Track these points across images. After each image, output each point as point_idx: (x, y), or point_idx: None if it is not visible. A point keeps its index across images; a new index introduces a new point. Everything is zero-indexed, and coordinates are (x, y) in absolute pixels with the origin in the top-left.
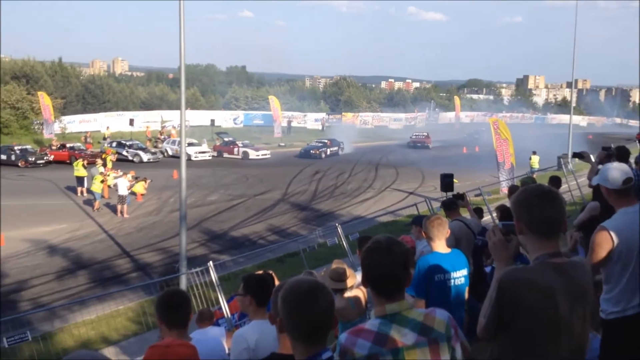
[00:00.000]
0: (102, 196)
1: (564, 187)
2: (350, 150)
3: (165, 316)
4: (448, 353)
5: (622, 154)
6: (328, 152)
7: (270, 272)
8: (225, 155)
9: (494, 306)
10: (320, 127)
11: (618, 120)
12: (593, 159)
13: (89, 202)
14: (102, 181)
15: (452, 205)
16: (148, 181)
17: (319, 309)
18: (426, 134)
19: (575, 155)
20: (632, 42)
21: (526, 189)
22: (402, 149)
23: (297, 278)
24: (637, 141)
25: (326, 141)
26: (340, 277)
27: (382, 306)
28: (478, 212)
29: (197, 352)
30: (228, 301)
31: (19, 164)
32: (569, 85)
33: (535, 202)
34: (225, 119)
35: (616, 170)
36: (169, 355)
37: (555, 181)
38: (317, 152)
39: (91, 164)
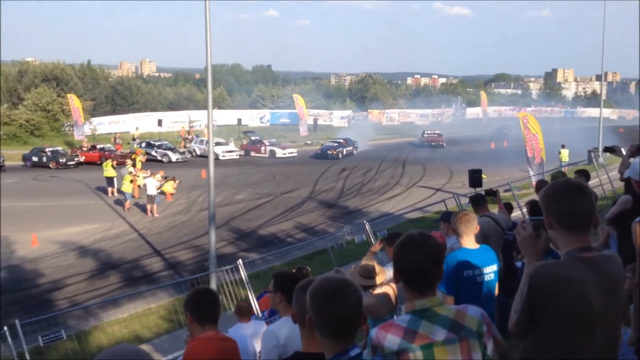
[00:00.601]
0: (133, 196)
1: (594, 181)
2: (365, 149)
3: (198, 313)
4: (479, 350)
5: None
6: (344, 152)
7: (307, 268)
8: (253, 154)
9: (524, 302)
10: (346, 125)
11: None
12: (624, 152)
13: (120, 202)
14: (132, 181)
15: (480, 201)
16: (177, 181)
17: (348, 306)
18: (438, 132)
19: (606, 149)
20: None
21: (554, 183)
22: (415, 148)
23: (325, 275)
24: None
25: (341, 141)
26: (369, 274)
27: (412, 302)
28: (508, 207)
29: (238, 347)
30: (258, 298)
31: (50, 166)
32: (599, 78)
33: (564, 195)
34: (252, 118)
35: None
36: (210, 348)
37: (583, 174)
38: (335, 152)
39: (121, 164)
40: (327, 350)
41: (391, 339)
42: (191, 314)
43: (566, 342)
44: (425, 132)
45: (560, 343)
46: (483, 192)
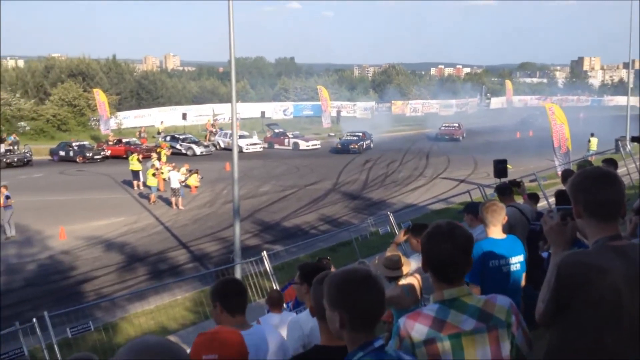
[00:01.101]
0: (158, 189)
1: (622, 170)
2: (383, 140)
3: (228, 303)
4: (508, 339)
5: None
6: (364, 146)
7: (328, 258)
8: (276, 146)
9: (552, 291)
10: (369, 116)
11: None
12: None
13: (145, 196)
14: (154, 174)
15: (506, 191)
16: (200, 176)
17: (373, 297)
18: (457, 124)
19: (634, 139)
20: None
21: (583, 172)
22: (430, 142)
23: (347, 267)
24: None
25: (360, 134)
26: (395, 265)
27: (441, 291)
28: (534, 197)
29: (244, 340)
30: (282, 290)
31: (77, 160)
32: (626, 66)
33: (593, 184)
34: (275, 110)
35: None
36: (216, 341)
37: (611, 163)
38: (356, 146)
39: (146, 158)
40: (350, 343)
41: (419, 329)
42: (221, 304)
43: (594, 332)
44: (444, 124)
45: (588, 332)
46: (506, 182)
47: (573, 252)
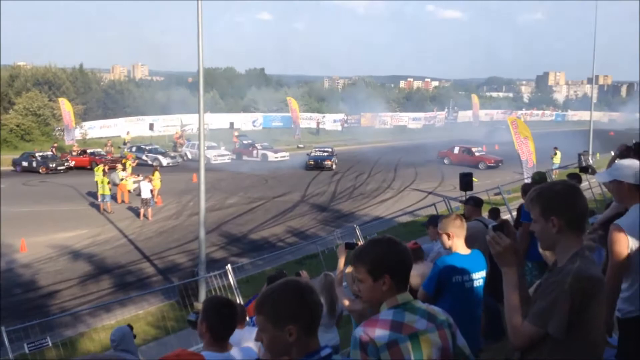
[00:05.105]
0: (124, 200)
1: (584, 184)
2: (350, 153)
3: (213, 326)
4: (450, 340)
5: None
6: (337, 162)
7: (301, 272)
8: (245, 157)
9: (565, 307)
10: (339, 128)
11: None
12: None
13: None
14: (109, 182)
15: (480, 204)
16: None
17: (318, 303)
18: (330, 150)
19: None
20: None
21: (564, 185)
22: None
23: (286, 279)
24: None
25: (330, 149)
26: None
27: (394, 297)
28: (495, 211)
29: None
30: (246, 304)
31: (40, 171)
32: (590, 81)
33: (578, 197)
34: (245, 121)
35: (635, 166)
36: None
37: (575, 177)
38: (330, 162)
39: (112, 169)
40: (297, 351)
41: (380, 333)
42: (207, 325)
43: (597, 344)
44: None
45: (594, 345)
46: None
47: (580, 267)
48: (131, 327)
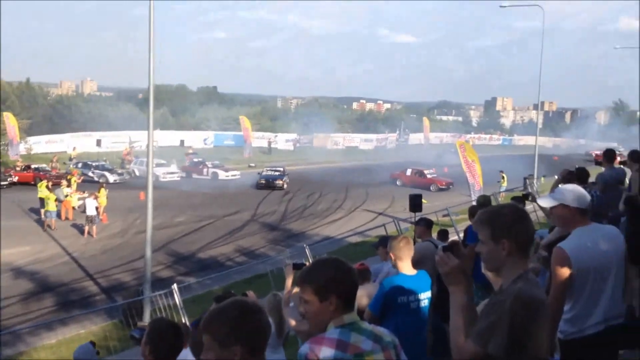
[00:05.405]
0: (67, 217)
1: (529, 207)
2: (300, 173)
3: (156, 349)
4: None
5: (582, 176)
6: (288, 181)
7: (247, 292)
8: (195, 175)
9: (506, 326)
10: (291, 148)
11: (582, 141)
12: (556, 177)
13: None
14: (56, 199)
15: (431, 225)
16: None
17: (266, 322)
18: (282, 169)
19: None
20: (597, 67)
21: (515, 209)
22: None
23: (234, 299)
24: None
25: (281, 169)
26: None
27: (341, 317)
28: (443, 233)
29: None
30: (192, 324)
31: None
32: (536, 107)
33: (527, 221)
34: (195, 139)
35: (578, 190)
36: None
37: (520, 200)
38: (282, 182)
39: (56, 185)
40: None
41: (326, 351)
42: (151, 348)
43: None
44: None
45: None
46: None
47: (522, 288)
48: (94, 344)
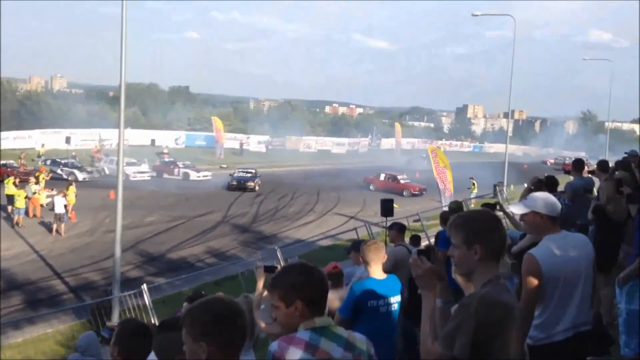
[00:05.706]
0: (35, 215)
1: (499, 214)
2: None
3: (124, 347)
4: None
5: (551, 184)
6: (259, 182)
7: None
8: (165, 175)
9: (467, 331)
10: (264, 150)
11: (552, 150)
12: (525, 186)
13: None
14: (26, 197)
15: (404, 230)
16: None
17: (245, 321)
18: (254, 171)
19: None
20: (566, 77)
21: (488, 215)
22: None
23: (208, 298)
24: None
25: (253, 170)
26: None
27: (312, 320)
28: (416, 238)
29: None
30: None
31: None
32: (506, 115)
33: (500, 227)
34: (167, 139)
35: (549, 198)
36: None
37: (491, 207)
38: (254, 183)
39: (24, 181)
40: None
41: (294, 351)
42: (119, 349)
43: None
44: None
45: None
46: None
47: (488, 292)
48: (97, 333)
